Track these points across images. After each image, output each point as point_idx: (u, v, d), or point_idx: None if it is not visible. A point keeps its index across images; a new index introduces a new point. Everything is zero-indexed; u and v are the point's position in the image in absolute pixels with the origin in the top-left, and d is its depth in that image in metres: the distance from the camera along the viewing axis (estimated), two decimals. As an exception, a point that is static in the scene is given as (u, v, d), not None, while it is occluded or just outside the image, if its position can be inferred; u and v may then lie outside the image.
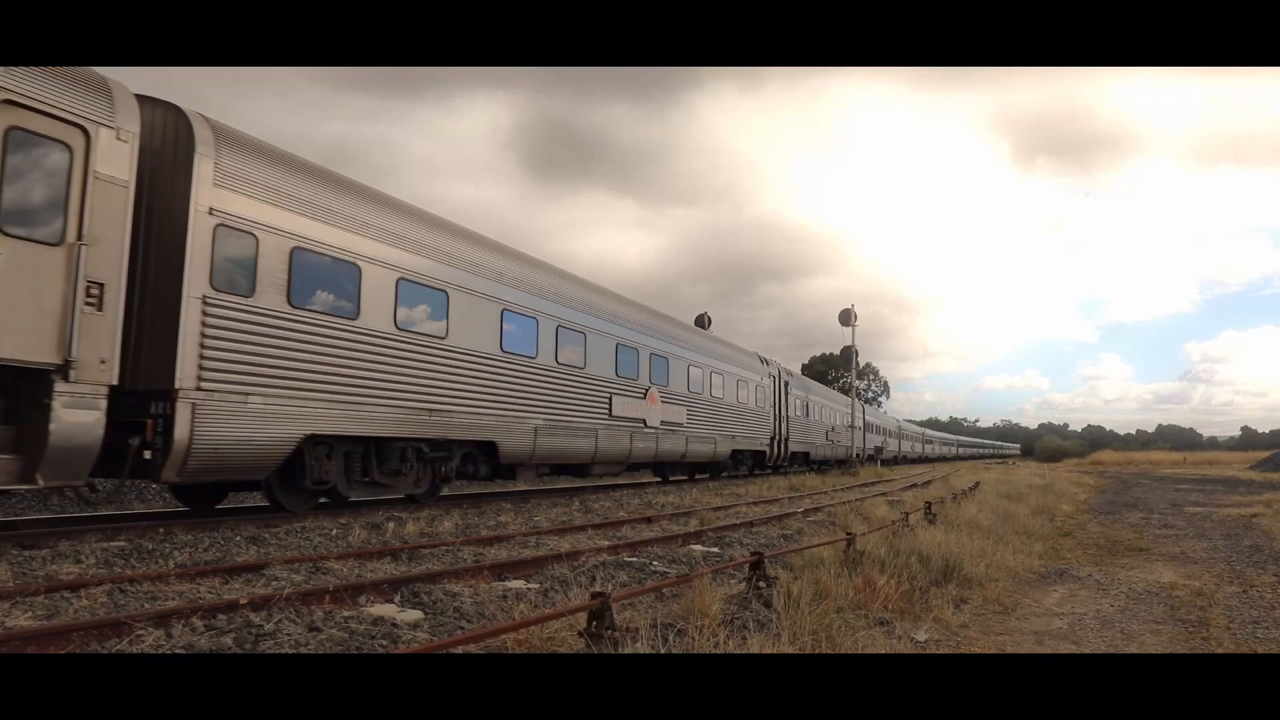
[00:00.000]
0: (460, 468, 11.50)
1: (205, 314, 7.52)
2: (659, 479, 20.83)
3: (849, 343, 37.70)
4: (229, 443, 7.68)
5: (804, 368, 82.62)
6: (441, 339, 10.58)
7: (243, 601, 4.31)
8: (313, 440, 8.75)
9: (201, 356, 7.45)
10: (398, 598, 4.93)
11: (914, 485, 20.56)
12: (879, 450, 44.41)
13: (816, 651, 3.95)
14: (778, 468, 27.20)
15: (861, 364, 79.57)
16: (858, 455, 36.07)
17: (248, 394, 7.86)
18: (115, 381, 6.69)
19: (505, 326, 11.97)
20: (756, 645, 3.71)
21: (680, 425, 18.08)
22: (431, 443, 10.60)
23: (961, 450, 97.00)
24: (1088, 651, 4.87)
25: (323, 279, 8.90)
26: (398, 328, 9.81)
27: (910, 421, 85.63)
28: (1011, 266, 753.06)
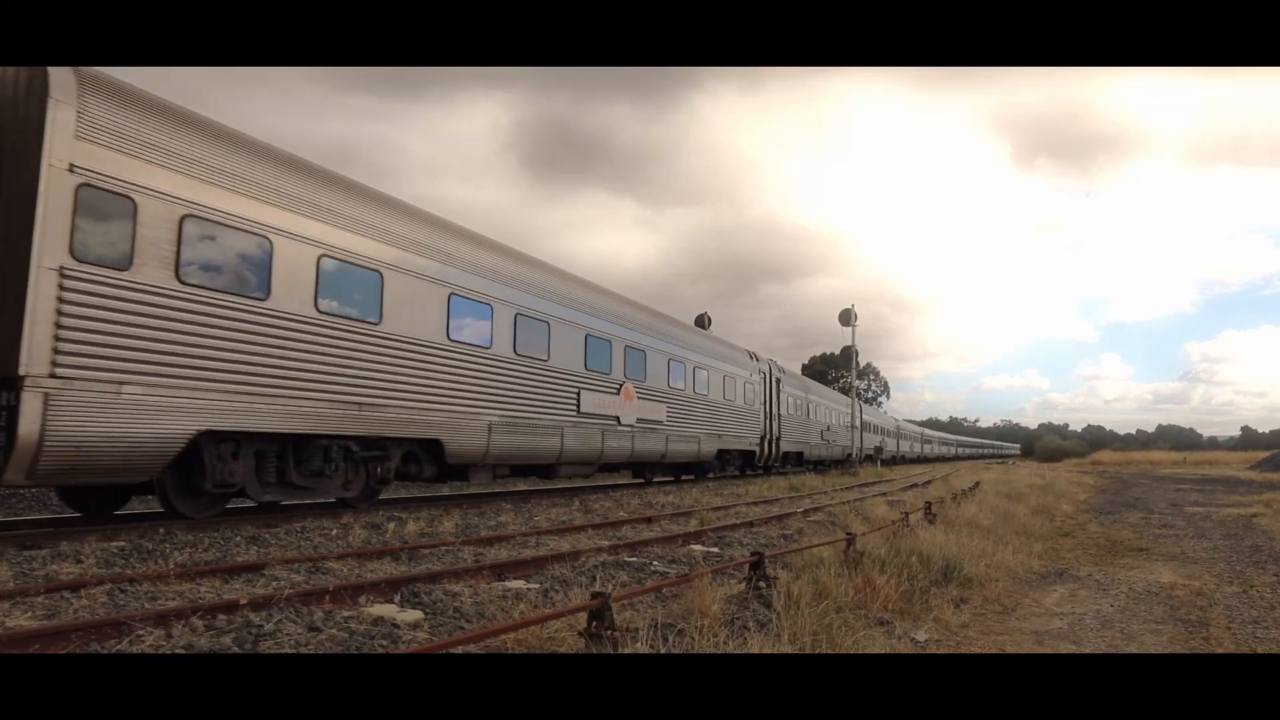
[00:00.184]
0: (401, 469, 10.50)
1: (63, 289, 6.46)
2: (640, 480, 19.76)
3: (849, 343, 37.72)
4: (96, 439, 6.66)
5: (804, 368, 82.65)
6: (374, 325, 9.53)
7: (243, 601, 4.31)
8: (214, 437, 7.80)
9: (57, 339, 6.40)
10: (398, 598, 4.93)
11: (914, 485, 20.56)
12: (878, 450, 44.24)
13: (816, 651, 3.95)
14: (769, 468, 26.31)
15: (862, 364, 79.63)
16: (853, 455, 35.85)
17: (122, 383, 6.85)
18: None
19: (453, 313, 10.89)
20: (756, 645, 3.71)
21: (659, 423, 17.09)
22: (363, 440, 9.60)
23: (961, 450, 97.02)
24: (1088, 651, 4.87)
25: (224, 254, 7.81)
26: (319, 311, 8.75)
27: (910, 421, 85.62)
28: (1011, 266, 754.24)
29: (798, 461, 29.75)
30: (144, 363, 7.06)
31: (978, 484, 18.81)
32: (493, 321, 11.77)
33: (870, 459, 40.01)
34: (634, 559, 6.98)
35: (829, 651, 4.00)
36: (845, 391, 51.77)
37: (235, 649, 3.63)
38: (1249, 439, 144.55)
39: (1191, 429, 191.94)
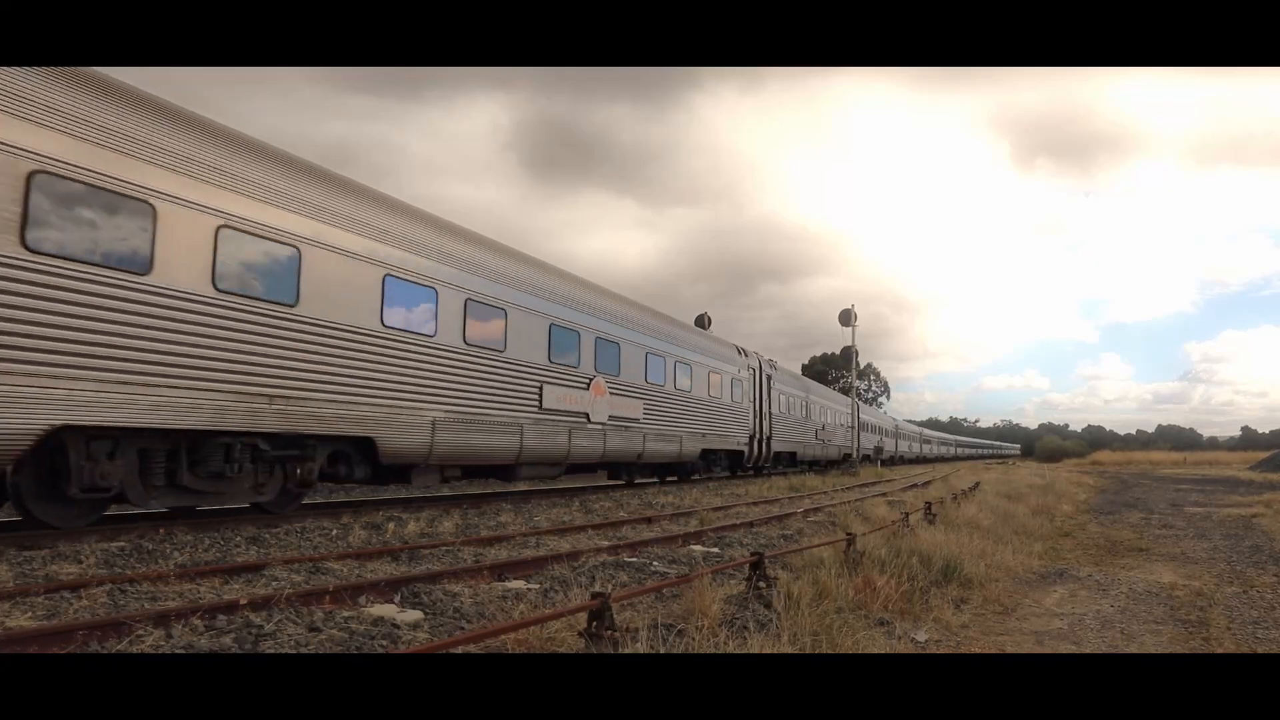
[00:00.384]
0: (330, 469, 9.47)
1: None
2: (620, 482, 18.83)
3: (849, 343, 37.72)
4: None
5: (804, 368, 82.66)
6: (290, 308, 8.40)
7: (243, 602, 4.31)
8: (83, 434, 6.78)
9: None
10: (398, 598, 4.93)
11: (914, 485, 20.56)
12: (878, 451, 44.09)
13: (816, 651, 3.95)
14: (759, 469, 25.18)
15: (862, 364, 79.66)
16: (852, 455, 35.65)
17: None
18: None
19: (389, 297, 9.73)
20: (756, 645, 3.71)
21: (635, 421, 15.93)
22: (276, 438, 8.51)
23: (960, 450, 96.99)
24: (1088, 651, 4.87)
25: (87, 220, 6.71)
26: (218, 290, 7.65)
27: (909, 421, 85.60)
28: (1011, 266, 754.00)
29: (790, 462, 28.84)
30: None
31: (978, 484, 18.81)
32: (437, 307, 10.59)
33: (868, 459, 39.86)
34: (634, 559, 6.98)
35: (829, 651, 4.00)
36: (845, 391, 51.75)
37: (235, 649, 3.63)
38: (1249, 439, 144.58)
39: (1191, 429, 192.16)
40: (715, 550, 7.98)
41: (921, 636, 4.98)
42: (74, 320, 6.57)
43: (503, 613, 4.68)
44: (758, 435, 23.85)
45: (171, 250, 7.26)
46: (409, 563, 6.43)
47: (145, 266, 7.06)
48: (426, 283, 10.46)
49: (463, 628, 4.43)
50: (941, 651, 4.75)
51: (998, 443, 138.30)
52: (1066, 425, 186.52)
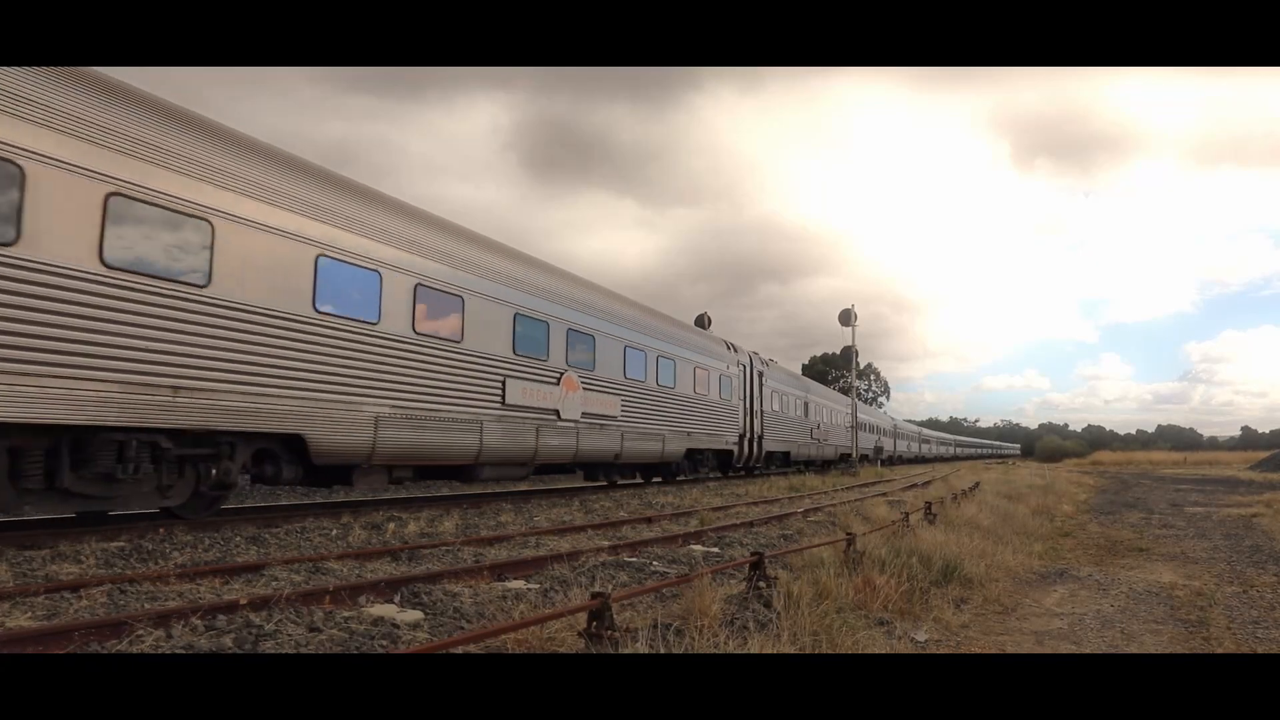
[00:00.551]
0: (257, 470, 8.67)
1: None
2: (605, 483, 18.21)
3: (849, 343, 37.74)
4: None
5: (804, 368, 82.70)
6: (199, 289, 7.47)
7: (243, 602, 4.31)
8: None
9: None
10: (398, 598, 4.94)
11: (914, 485, 20.56)
12: (877, 450, 43.98)
13: (816, 651, 3.95)
14: (750, 469, 24.35)
15: (862, 364, 79.71)
16: (851, 455, 35.56)
17: None
18: None
19: (323, 279, 8.84)
20: (756, 645, 3.71)
21: (612, 419, 15.06)
22: (182, 435, 7.59)
23: (960, 450, 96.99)
24: (1088, 651, 4.87)
25: None
26: (107, 266, 6.77)
27: (909, 421, 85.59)
28: (1011, 266, 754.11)
29: (784, 462, 28.11)
30: None
31: (978, 484, 18.81)
32: (381, 292, 9.70)
33: (866, 459, 39.75)
34: (634, 559, 6.99)
35: (829, 651, 4.00)
36: (845, 391, 51.76)
37: (235, 649, 3.63)
38: (1249, 439, 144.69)
39: (1191, 429, 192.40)
40: (715, 550, 7.98)
41: (921, 636, 4.98)
42: None
43: (503, 613, 4.68)
44: (748, 434, 23.11)
45: (44, 220, 6.38)
46: (409, 563, 6.44)
47: (12, 238, 6.18)
48: (369, 265, 9.56)
49: (463, 628, 4.43)
50: (941, 651, 4.75)
51: (998, 443, 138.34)
52: (1066, 425, 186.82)
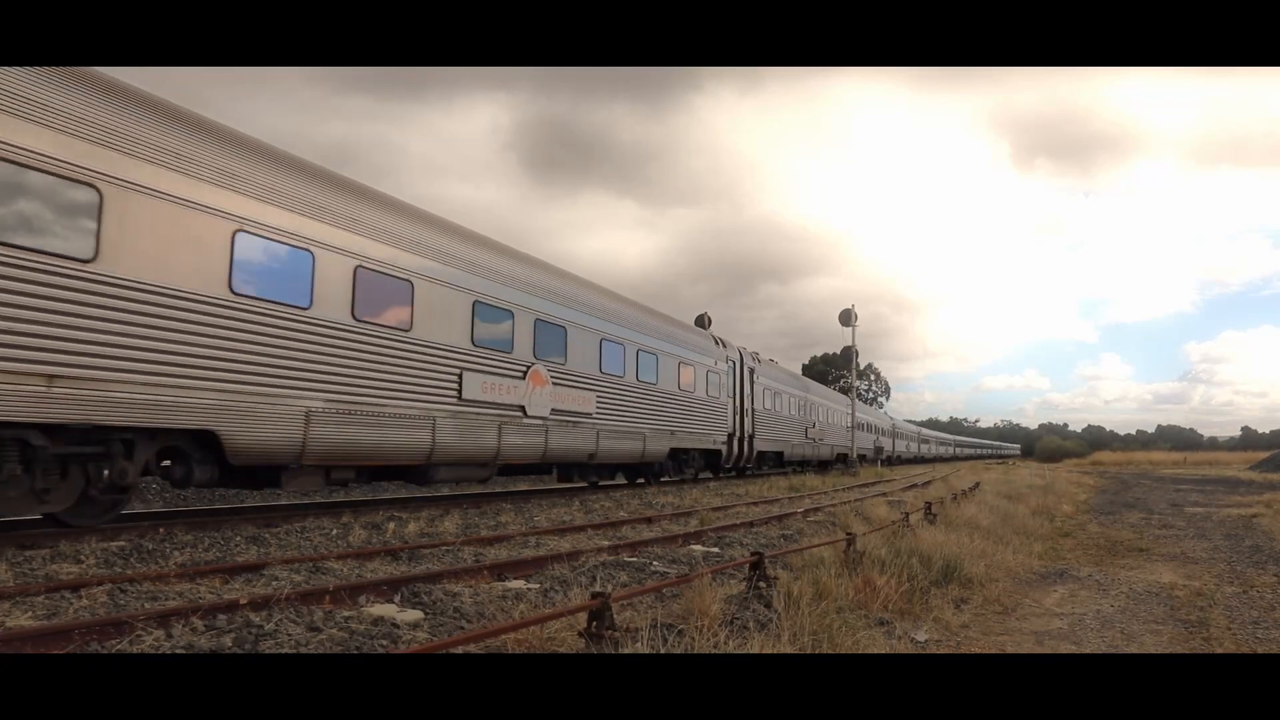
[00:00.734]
0: (168, 471, 7.88)
1: None
2: (586, 484, 17.39)
3: (849, 343, 37.75)
4: None
5: (804, 368, 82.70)
6: (84, 262, 6.54)
7: (243, 601, 4.31)
8: None
9: None
10: (398, 598, 4.93)
11: (914, 486, 20.56)
12: (877, 450, 43.89)
13: (816, 651, 3.95)
14: (740, 470, 23.39)
15: (862, 364, 79.71)
16: (851, 455, 35.46)
17: None
18: None
19: (242, 258, 7.90)
20: (756, 645, 3.71)
21: (586, 416, 14.10)
22: (62, 431, 6.62)
23: (959, 450, 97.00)
24: (1088, 651, 4.88)
25: None
26: None
27: (909, 421, 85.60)
28: (1011, 266, 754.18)
29: (777, 462, 27.33)
30: None
31: (978, 484, 18.81)
32: (314, 274, 8.74)
33: (864, 459, 39.59)
34: (634, 559, 6.99)
35: (829, 651, 4.01)
36: (845, 391, 51.76)
37: (235, 649, 3.63)
38: (1249, 439, 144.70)
39: (1191, 429, 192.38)
40: (715, 550, 7.98)
41: (921, 636, 4.99)
42: None
43: (503, 612, 4.68)
44: (738, 433, 22.11)
45: None
46: (409, 562, 6.44)
47: None
48: (298, 244, 8.58)
49: (463, 627, 4.43)
50: (941, 651, 4.75)
51: (998, 443, 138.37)
52: (1066, 425, 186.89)
